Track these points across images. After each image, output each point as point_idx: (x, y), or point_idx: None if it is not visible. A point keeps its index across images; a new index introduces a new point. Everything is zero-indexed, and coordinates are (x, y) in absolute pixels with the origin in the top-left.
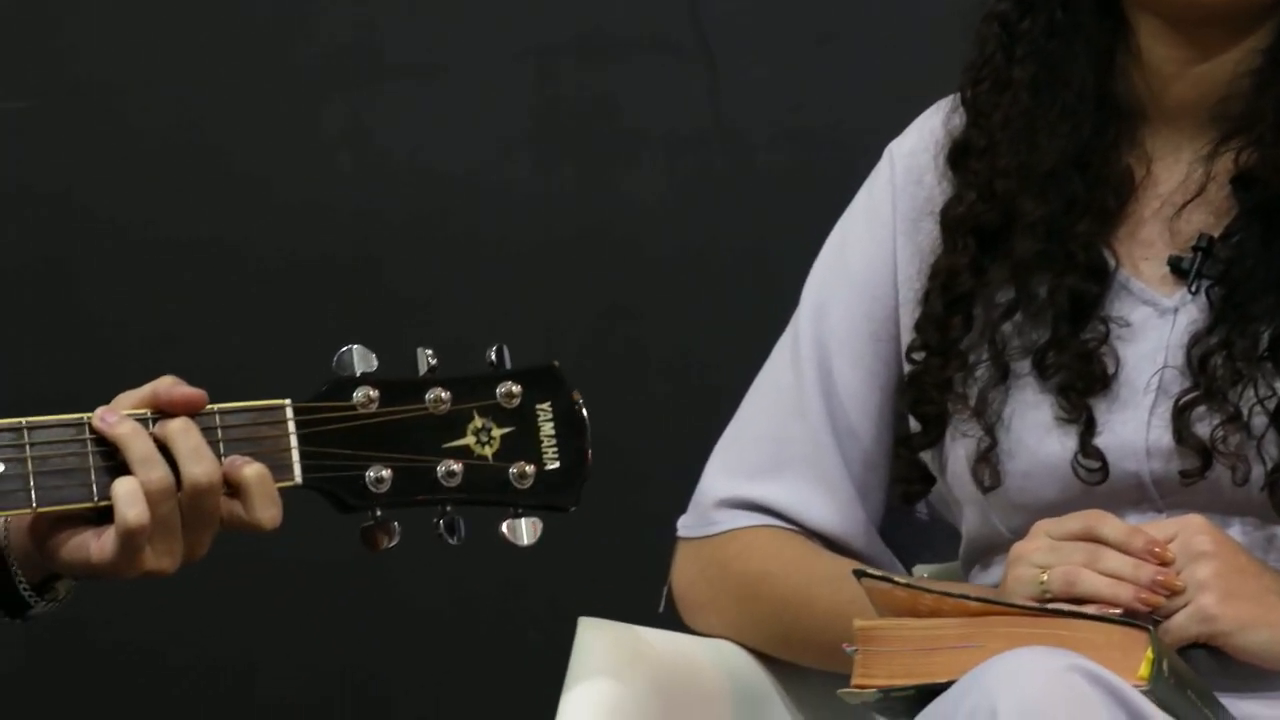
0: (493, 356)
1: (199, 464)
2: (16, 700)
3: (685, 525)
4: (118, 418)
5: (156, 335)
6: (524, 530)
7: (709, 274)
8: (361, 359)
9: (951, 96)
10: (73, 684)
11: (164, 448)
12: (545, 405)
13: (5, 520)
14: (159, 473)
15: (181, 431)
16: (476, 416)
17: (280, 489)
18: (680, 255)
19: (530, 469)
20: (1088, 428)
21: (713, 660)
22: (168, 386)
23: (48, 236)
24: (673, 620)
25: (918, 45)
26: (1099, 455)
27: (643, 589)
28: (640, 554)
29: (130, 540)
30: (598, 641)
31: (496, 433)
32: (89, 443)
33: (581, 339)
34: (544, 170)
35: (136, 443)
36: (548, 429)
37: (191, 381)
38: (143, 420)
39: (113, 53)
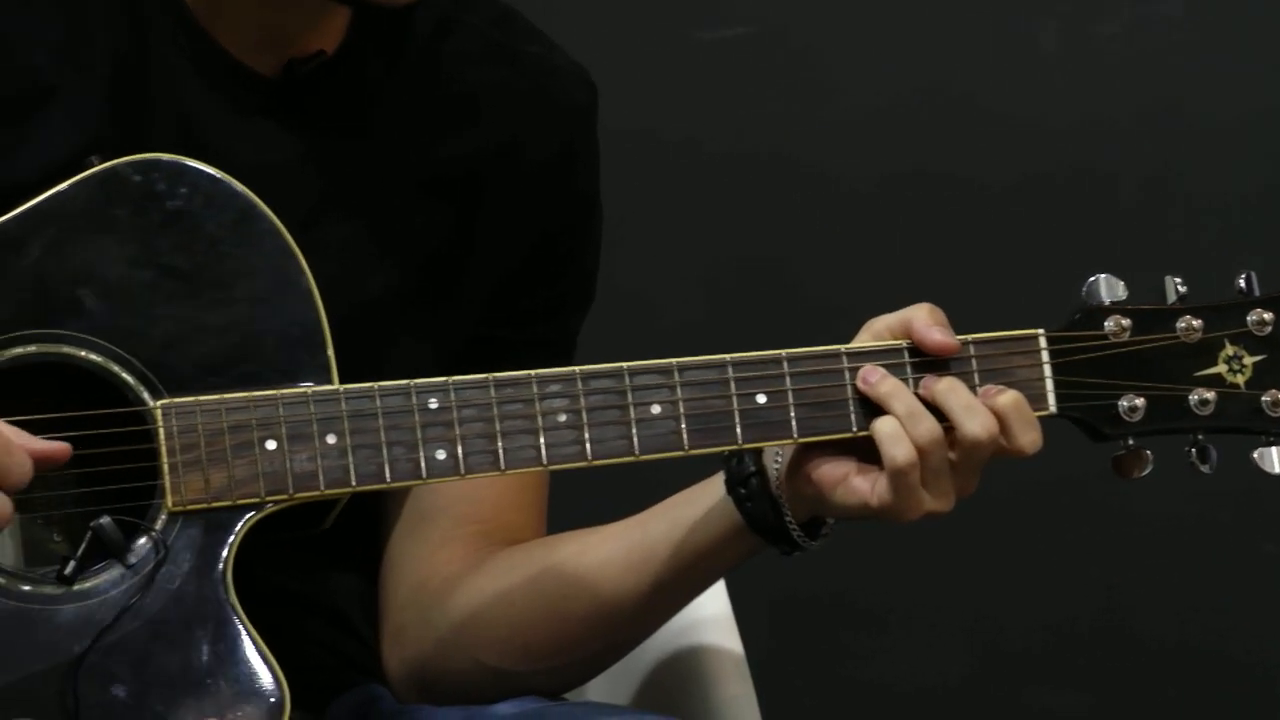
0: (1241, 283)
1: (973, 419)
2: (763, 665)
3: None
4: (879, 377)
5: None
6: (1275, 458)
7: None
8: (1109, 288)
9: None
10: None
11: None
12: None
13: (777, 463)
14: (926, 425)
15: (949, 391)
16: (1228, 344)
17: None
18: None
19: None
20: None
21: None
22: (924, 325)
23: (750, 184)
24: None
25: None
26: None
27: None
28: None
29: (902, 480)
30: None
31: (1248, 360)
32: (846, 373)
33: None
34: None
35: (899, 402)
36: None
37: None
38: (896, 350)
39: None
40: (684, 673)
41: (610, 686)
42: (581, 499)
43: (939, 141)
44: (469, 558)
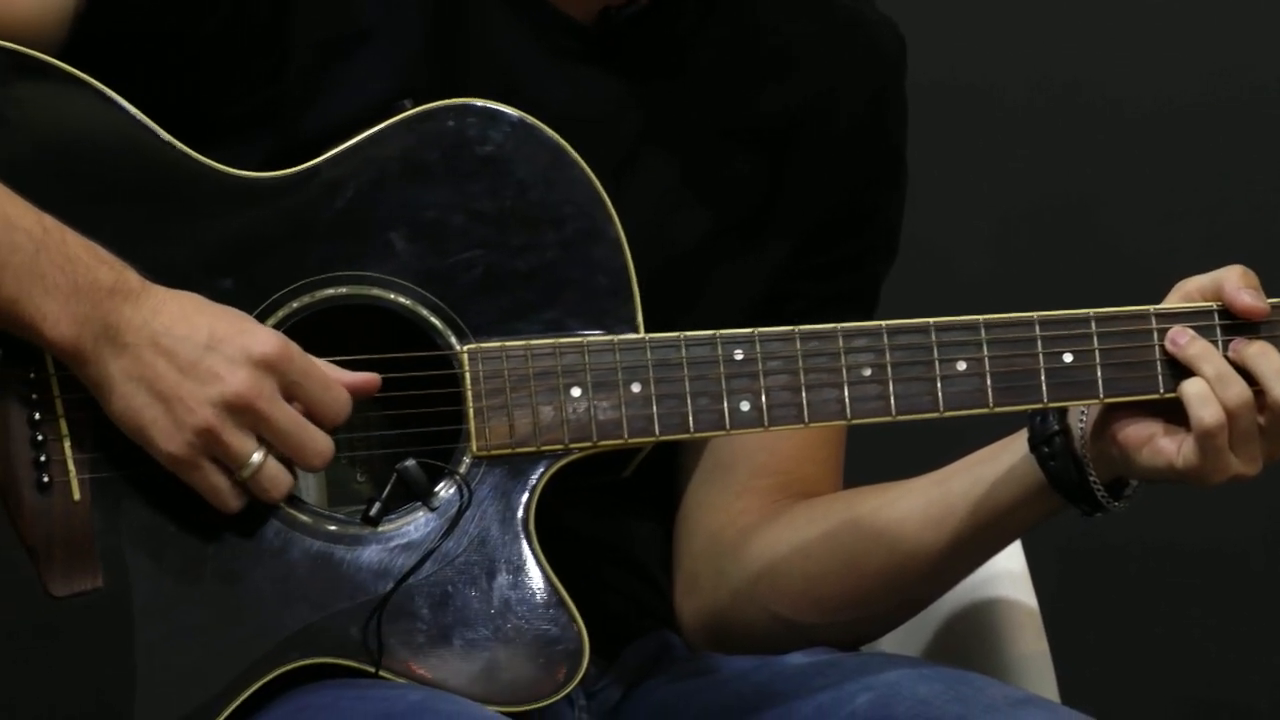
0: None
1: None
2: (1058, 622)
3: None
4: (1188, 339)
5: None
6: None
7: None
8: None
9: None
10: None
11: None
12: None
13: (1082, 422)
14: (1235, 388)
15: (1260, 355)
16: None
17: None
18: None
19: None
20: None
21: None
22: (1235, 287)
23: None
24: None
25: None
26: None
27: None
28: None
29: (1209, 441)
30: None
31: None
32: (1155, 334)
33: None
34: None
35: (1209, 364)
36: None
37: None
38: (1206, 313)
39: None
40: (978, 627)
41: (903, 639)
42: (873, 455)
43: (1241, 72)
44: (765, 509)
